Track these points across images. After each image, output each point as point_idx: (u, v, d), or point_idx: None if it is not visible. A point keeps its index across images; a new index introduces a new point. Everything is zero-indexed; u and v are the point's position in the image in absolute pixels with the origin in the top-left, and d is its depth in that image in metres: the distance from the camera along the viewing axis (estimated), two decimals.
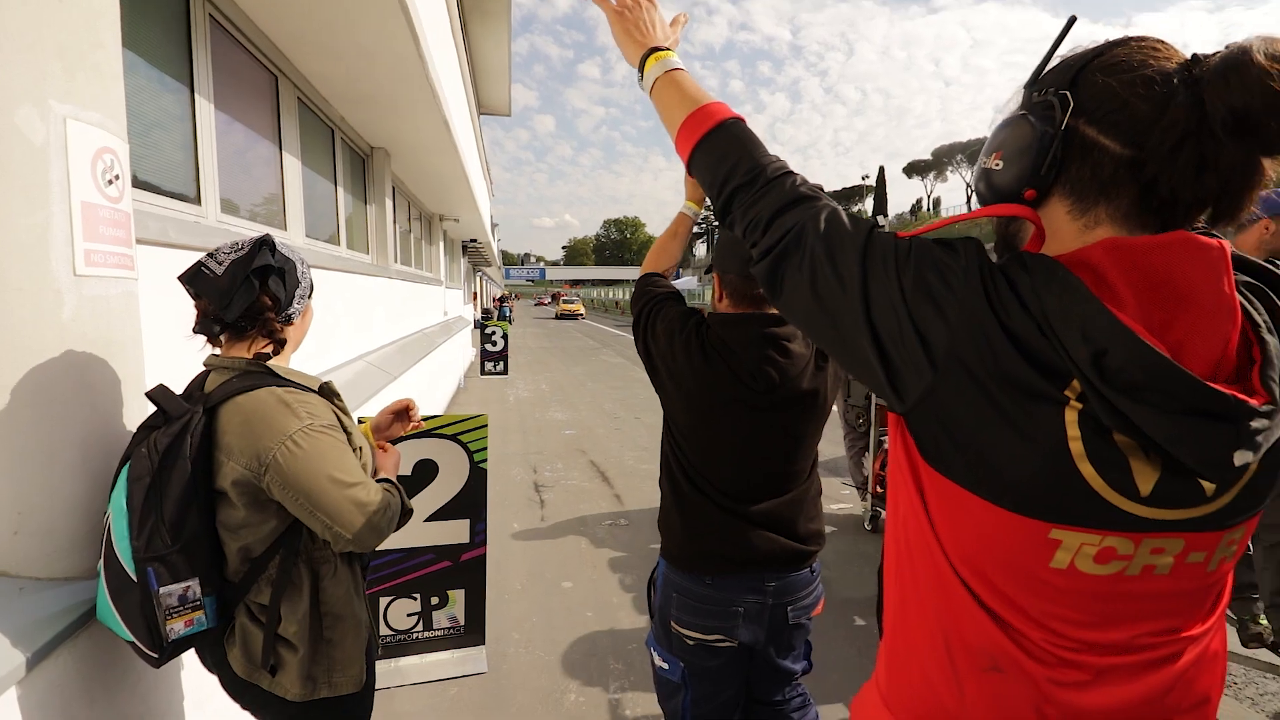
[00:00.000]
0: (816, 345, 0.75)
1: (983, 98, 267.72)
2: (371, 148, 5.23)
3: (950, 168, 77.34)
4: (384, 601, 2.57)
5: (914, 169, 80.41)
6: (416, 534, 2.57)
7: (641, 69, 0.98)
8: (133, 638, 1.10)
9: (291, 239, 3.33)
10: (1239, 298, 0.60)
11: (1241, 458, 0.55)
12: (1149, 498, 0.59)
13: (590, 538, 4.01)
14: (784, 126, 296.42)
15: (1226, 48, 0.58)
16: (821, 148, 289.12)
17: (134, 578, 1.08)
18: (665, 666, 1.51)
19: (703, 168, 0.86)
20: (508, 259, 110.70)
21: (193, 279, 1.22)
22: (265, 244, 1.23)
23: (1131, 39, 0.66)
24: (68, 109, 1.20)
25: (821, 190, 0.80)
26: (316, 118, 3.92)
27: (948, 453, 0.65)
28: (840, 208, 0.75)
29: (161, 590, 1.08)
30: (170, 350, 1.52)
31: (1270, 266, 0.67)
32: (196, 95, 2.39)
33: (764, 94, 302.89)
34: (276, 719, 1.24)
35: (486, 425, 2.66)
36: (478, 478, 2.64)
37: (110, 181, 1.31)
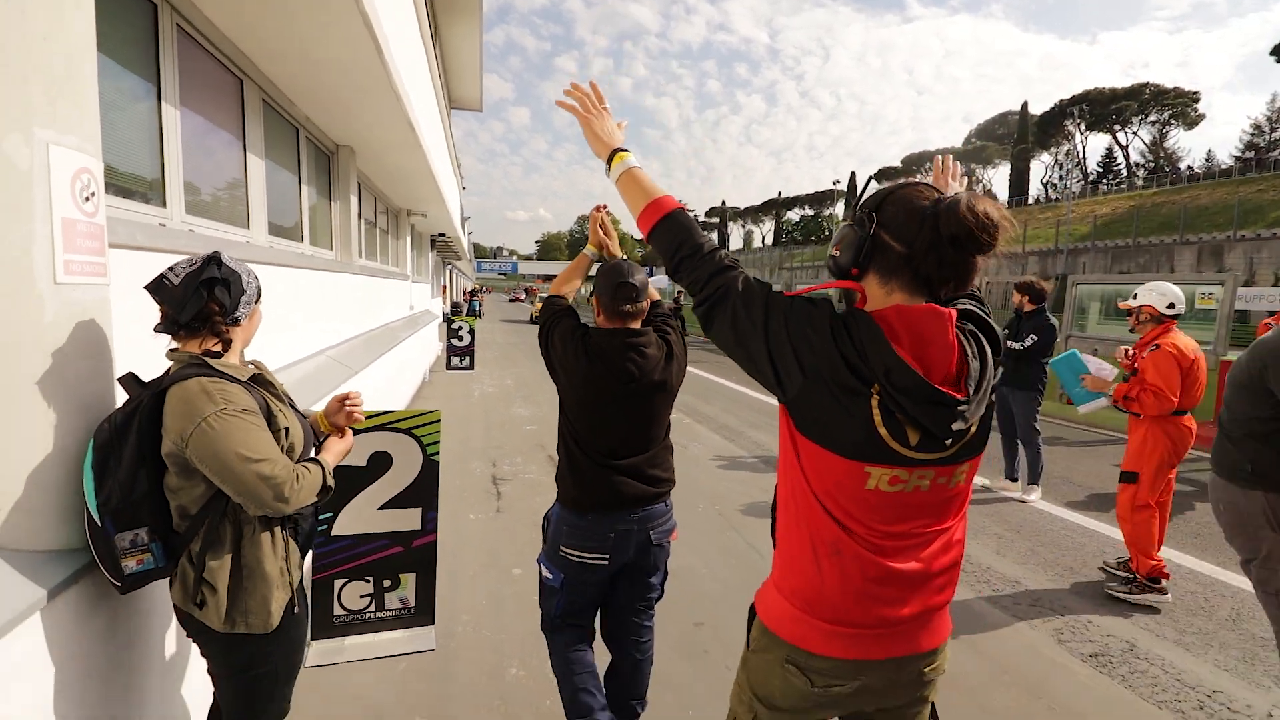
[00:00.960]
0: (733, 360, 1.22)
1: (954, 107, 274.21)
2: (337, 145, 5.32)
3: (920, 175, 79.11)
4: (338, 584, 2.74)
5: (884, 175, 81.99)
6: (370, 520, 2.74)
7: (608, 164, 1.46)
8: (104, 570, 1.41)
9: (254, 237, 3.44)
10: (960, 338, 1.11)
11: (958, 426, 1.06)
12: (915, 447, 1.08)
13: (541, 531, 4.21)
14: (760, 129, 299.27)
15: (952, 195, 1.06)
16: (796, 151, 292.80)
17: (99, 523, 1.38)
18: (549, 577, 2.09)
19: (660, 242, 1.31)
20: (480, 252, 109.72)
21: (156, 288, 1.47)
22: (214, 260, 1.49)
23: (911, 184, 1.14)
24: (50, 135, 1.36)
25: (737, 262, 1.27)
26: (281, 118, 4.02)
27: (810, 425, 1.12)
28: (748, 274, 1.22)
29: (117, 535, 1.40)
30: (139, 340, 1.68)
31: (985, 317, 1.20)
32: (163, 103, 2.51)
33: (740, 95, 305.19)
34: (206, 644, 1.53)
35: (439, 420, 2.84)
36: (429, 469, 2.82)
37: (87, 198, 1.47)
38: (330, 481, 1.57)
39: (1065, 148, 65.14)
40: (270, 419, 1.51)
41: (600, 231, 2.15)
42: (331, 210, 5.27)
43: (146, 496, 1.42)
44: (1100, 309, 10.88)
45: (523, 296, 42.01)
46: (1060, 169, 66.76)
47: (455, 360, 11.00)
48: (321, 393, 3.72)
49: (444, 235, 14.20)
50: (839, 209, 78.25)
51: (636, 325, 1.99)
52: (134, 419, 1.39)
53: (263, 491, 1.38)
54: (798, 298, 1.15)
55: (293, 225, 4.34)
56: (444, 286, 25.20)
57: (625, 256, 2.11)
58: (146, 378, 1.48)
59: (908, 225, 1.07)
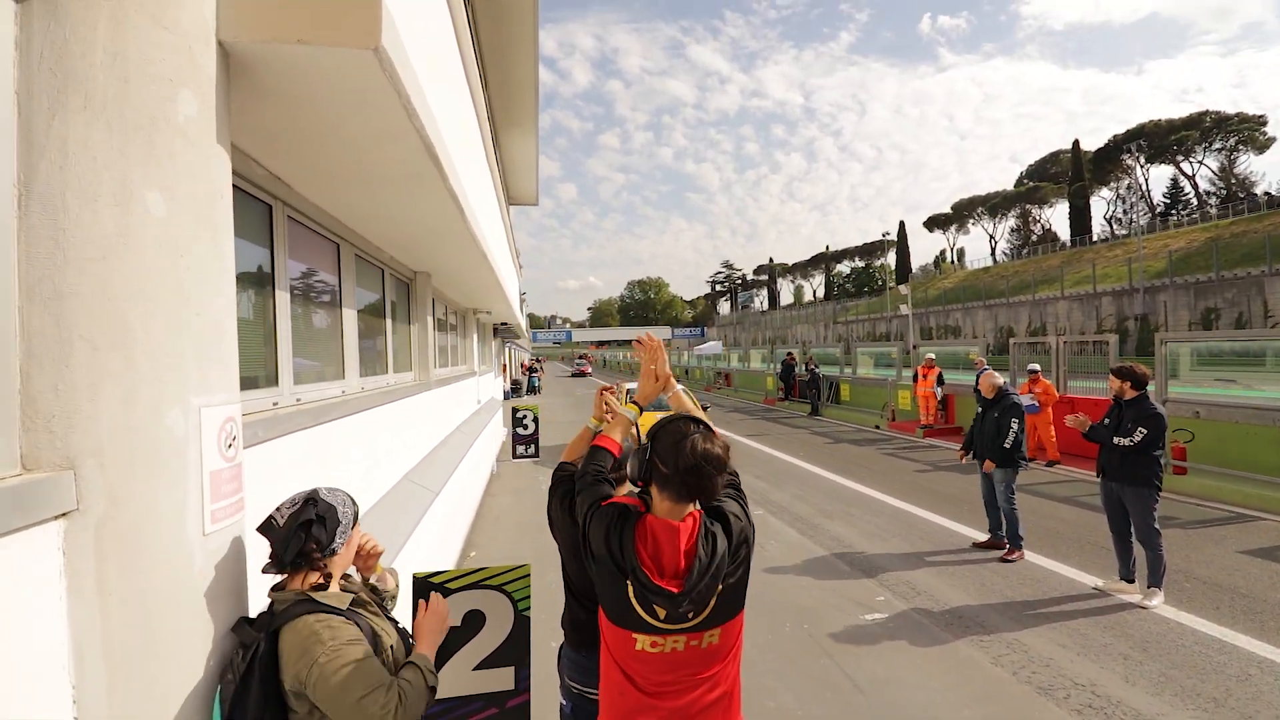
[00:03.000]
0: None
1: (999, 148, 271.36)
2: (415, 273, 5.67)
3: (971, 220, 77.79)
4: None
5: (934, 222, 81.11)
6: (465, 682, 2.71)
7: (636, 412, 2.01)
8: None
9: (348, 385, 3.64)
10: (698, 538, 1.54)
11: (686, 610, 1.50)
12: (664, 620, 1.51)
13: None
14: (801, 185, 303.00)
15: (689, 436, 1.58)
16: (839, 204, 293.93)
17: None
18: (564, 703, 2.45)
19: (591, 455, 1.84)
20: (534, 322, 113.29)
21: (266, 529, 1.58)
22: (310, 500, 1.59)
23: (679, 418, 1.66)
24: (202, 400, 1.48)
25: (609, 481, 1.78)
26: (369, 264, 4.33)
27: (600, 596, 1.63)
28: (609, 494, 1.72)
29: None
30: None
31: (728, 515, 1.63)
32: (276, 289, 2.74)
33: (779, 155, 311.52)
34: None
35: (529, 575, 2.83)
36: (521, 626, 2.79)
37: (230, 444, 1.58)
38: (433, 681, 1.61)
39: (1126, 182, 62.95)
40: (375, 640, 1.56)
41: (604, 408, 2.35)
42: (411, 333, 5.56)
43: None
44: (1191, 361, 10.10)
45: (589, 370, 40.80)
46: (1123, 204, 64.35)
47: (520, 449, 11.14)
48: (407, 522, 3.82)
49: (505, 324, 14.75)
50: (890, 259, 77.32)
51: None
52: (253, 664, 1.45)
53: (374, 707, 1.40)
54: (606, 505, 1.63)
55: (376, 355, 4.59)
56: (504, 365, 25.97)
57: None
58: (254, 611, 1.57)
59: (667, 454, 1.56)
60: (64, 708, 1.26)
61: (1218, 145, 55.14)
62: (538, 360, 47.19)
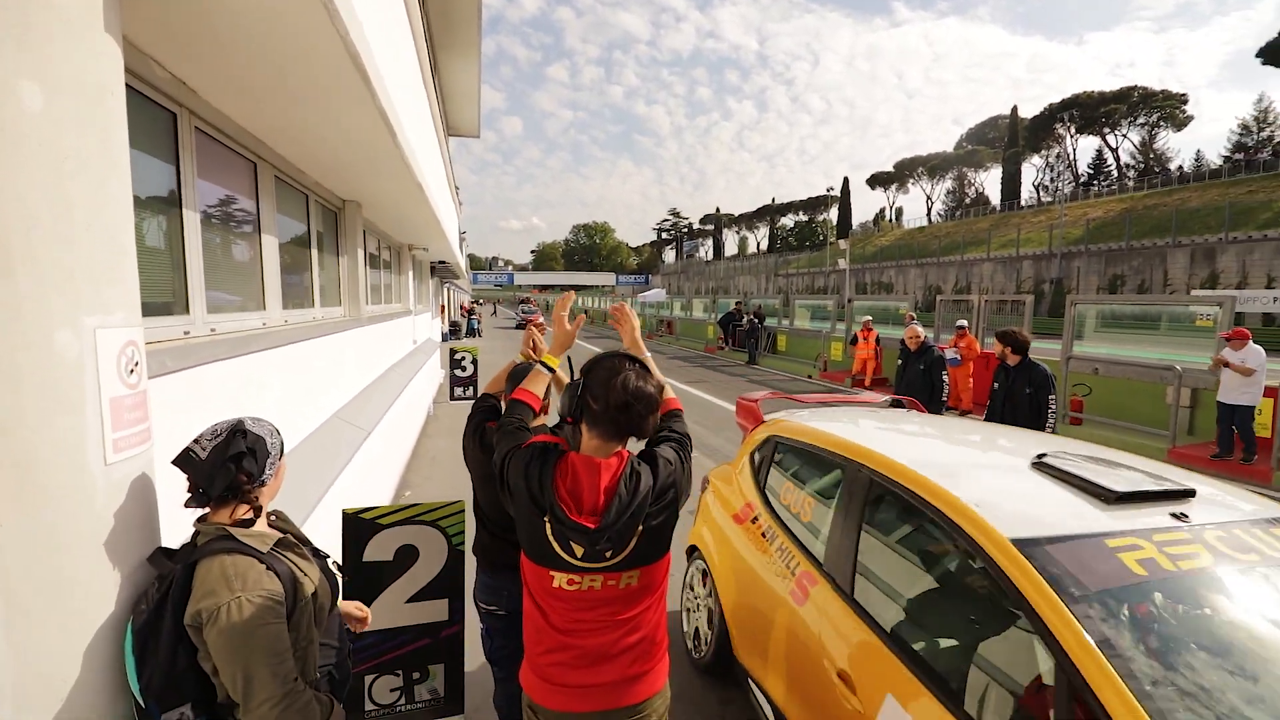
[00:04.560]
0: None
1: (944, 110, 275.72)
2: (344, 201, 5.33)
3: (912, 180, 79.58)
4: (369, 679, 2.73)
5: (877, 180, 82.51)
6: (399, 614, 2.74)
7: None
8: None
9: (269, 317, 3.44)
10: (626, 473, 1.53)
11: (603, 548, 1.49)
12: (582, 558, 1.51)
13: None
14: (751, 134, 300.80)
15: (619, 372, 1.56)
16: (788, 155, 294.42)
17: (144, 706, 1.37)
18: (482, 628, 2.55)
19: (512, 406, 1.81)
20: (475, 263, 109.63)
21: (184, 463, 1.48)
22: (238, 431, 1.50)
23: (612, 355, 1.62)
24: (96, 320, 1.36)
25: (528, 429, 1.74)
26: (291, 189, 4.03)
27: (519, 535, 1.60)
28: (531, 438, 1.66)
29: (163, 715, 1.37)
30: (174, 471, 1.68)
31: (657, 456, 1.61)
32: (184, 209, 2.52)
33: (731, 101, 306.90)
34: None
35: (463, 510, 2.83)
36: (455, 559, 2.82)
37: (131, 370, 1.47)
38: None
39: (1056, 150, 65.61)
40: (295, 585, 1.51)
41: (530, 344, 2.49)
42: (339, 266, 5.28)
43: (187, 671, 1.40)
44: (1096, 323, 10.88)
45: (540, 319, 37.28)
46: (1052, 172, 67.24)
47: (459, 391, 10.98)
48: (338, 460, 3.72)
49: (444, 262, 14.21)
50: (833, 214, 78.52)
51: None
52: (167, 597, 1.40)
53: (259, 700, 1.34)
54: (526, 446, 1.60)
55: (303, 290, 4.34)
56: (442, 306, 25.19)
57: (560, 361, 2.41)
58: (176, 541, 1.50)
59: (599, 390, 1.54)
60: None
61: (1141, 120, 57.96)
62: (477, 303, 45.86)
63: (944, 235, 51.36)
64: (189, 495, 1.49)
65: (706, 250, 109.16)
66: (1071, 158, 65.64)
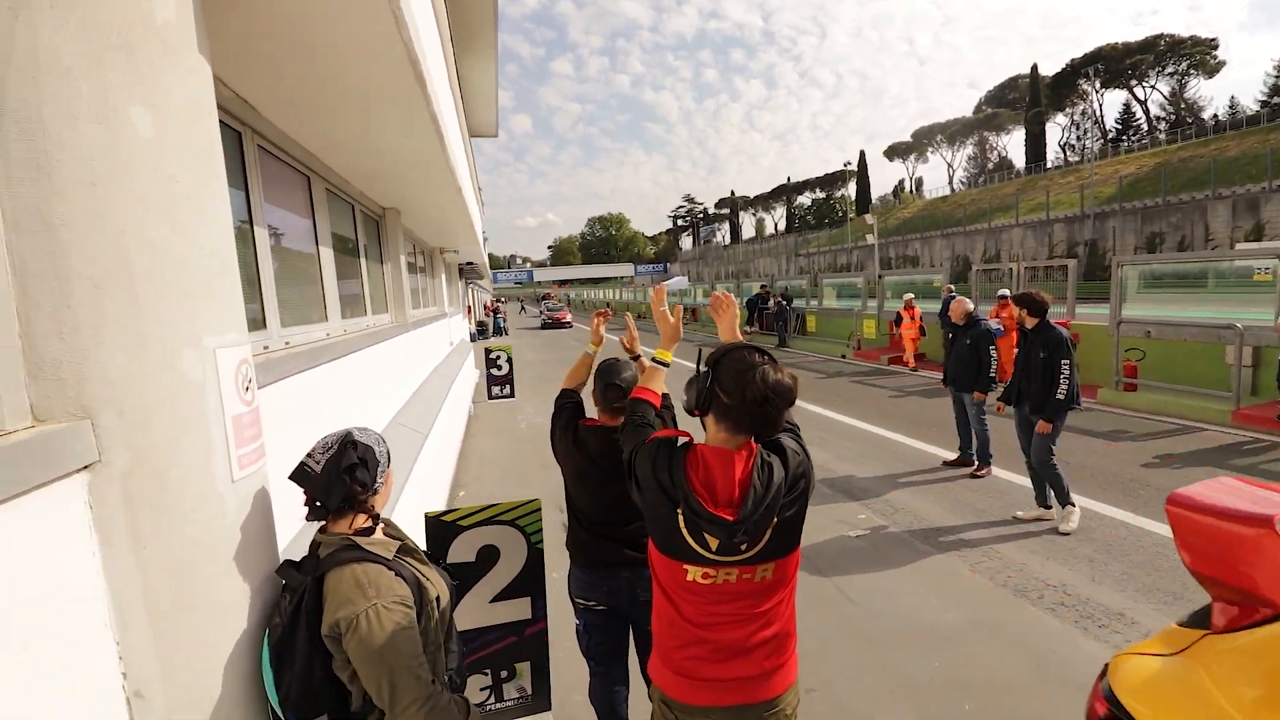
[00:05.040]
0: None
1: (958, 74, 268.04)
2: (384, 209, 5.37)
3: (930, 149, 77.79)
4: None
5: (894, 151, 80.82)
6: (484, 614, 2.76)
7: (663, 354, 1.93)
8: None
9: (331, 328, 3.49)
10: (757, 464, 1.49)
11: (739, 540, 1.44)
12: (716, 551, 1.47)
13: None
14: (761, 113, 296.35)
15: (758, 365, 1.49)
16: (800, 132, 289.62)
17: (282, 717, 1.41)
18: (578, 623, 2.58)
19: (631, 406, 1.79)
20: (494, 262, 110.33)
21: (300, 478, 1.50)
22: (348, 443, 1.51)
23: (741, 347, 1.54)
24: (214, 339, 1.37)
25: (654, 425, 1.72)
26: (339, 199, 4.07)
27: (649, 527, 1.59)
28: (656, 434, 1.63)
29: None
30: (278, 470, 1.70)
31: (785, 449, 1.55)
32: (255, 226, 2.55)
33: (739, 81, 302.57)
34: None
35: (540, 509, 2.84)
36: (535, 558, 2.83)
37: (246, 387, 1.48)
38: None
39: (1081, 108, 63.47)
40: (420, 590, 1.54)
41: (600, 331, 2.55)
42: (384, 273, 5.33)
43: (323, 682, 1.43)
44: (1139, 283, 10.46)
45: (568, 316, 32.46)
46: (1078, 130, 65.07)
47: (496, 390, 11.09)
48: (403, 466, 3.77)
49: (471, 263, 14.32)
50: (851, 189, 77.26)
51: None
52: (300, 609, 1.42)
53: (405, 704, 1.35)
54: (652, 440, 1.58)
55: (355, 298, 4.40)
56: (468, 306, 25.41)
57: (632, 354, 2.55)
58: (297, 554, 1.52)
59: (732, 383, 1.49)
60: (109, 665, 1.21)
61: (1170, 69, 55.74)
62: (500, 301, 46.17)
63: (968, 203, 50.19)
64: (308, 509, 1.51)
65: (723, 235, 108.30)
66: (1098, 114, 63.48)
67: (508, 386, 11.24)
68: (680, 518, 1.46)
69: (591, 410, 2.54)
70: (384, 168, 3.87)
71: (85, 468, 1.17)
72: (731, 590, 1.51)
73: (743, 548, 1.47)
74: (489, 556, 2.79)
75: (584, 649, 2.58)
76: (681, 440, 1.59)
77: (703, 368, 1.56)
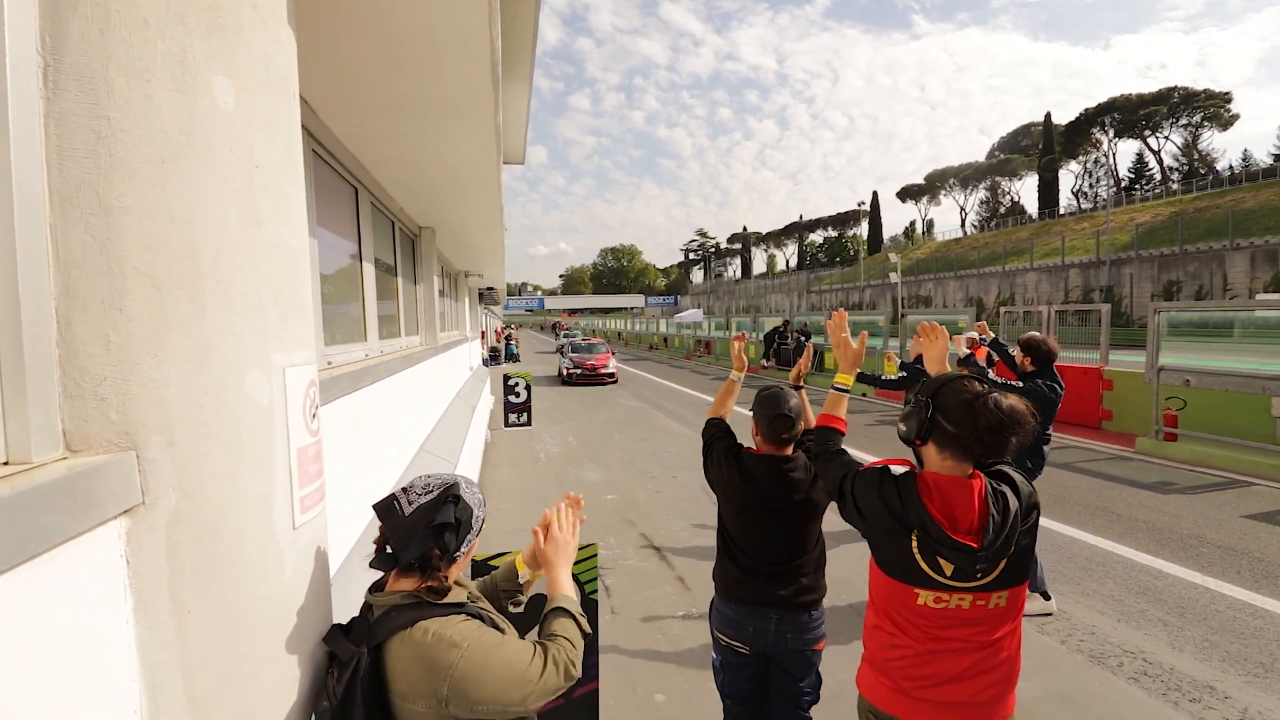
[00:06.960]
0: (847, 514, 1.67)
1: (969, 120, 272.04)
2: (420, 228, 5.22)
3: (943, 191, 78.36)
4: None
5: (907, 193, 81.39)
6: None
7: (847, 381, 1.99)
8: None
9: (370, 348, 3.27)
10: (989, 497, 1.48)
11: (978, 568, 1.45)
12: (951, 576, 1.48)
13: (666, 637, 3.89)
14: (773, 152, 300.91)
15: (989, 392, 1.52)
16: (811, 172, 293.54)
17: None
18: (715, 657, 2.41)
19: (820, 434, 1.89)
20: (507, 289, 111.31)
21: (385, 513, 1.26)
22: (451, 497, 1.27)
23: (959, 378, 1.57)
24: (284, 357, 1.14)
25: (845, 451, 1.80)
26: (382, 214, 3.90)
27: (875, 553, 1.61)
28: (852, 460, 1.73)
29: None
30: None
31: (1014, 477, 1.55)
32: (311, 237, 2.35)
33: (752, 121, 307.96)
34: None
35: (596, 555, 2.57)
36: (587, 607, 2.54)
37: (313, 415, 1.25)
38: (586, 627, 1.42)
39: (1094, 156, 63.93)
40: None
41: (743, 357, 2.57)
42: (417, 294, 5.14)
43: None
44: (1164, 331, 10.08)
45: (610, 363, 23.84)
46: (1090, 177, 65.44)
47: (513, 418, 10.81)
48: None
49: (491, 288, 14.23)
50: (863, 229, 77.66)
51: (789, 451, 2.27)
52: (354, 687, 1.15)
53: (544, 696, 1.22)
54: (868, 468, 1.62)
55: (392, 321, 4.19)
56: (482, 332, 25.33)
57: (794, 383, 2.47)
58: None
59: (959, 413, 1.50)
60: None
61: (1184, 121, 56.20)
62: (511, 327, 46.20)
63: (982, 246, 50.18)
64: (376, 553, 1.26)
65: (735, 269, 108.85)
66: (1111, 162, 63.88)
67: (525, 414, 10.97)
68: (914, 542, 1.48)
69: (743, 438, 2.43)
70: (428, 182, 3.70)
71: (125, 512, 0.93)
72: (963, 616, 1.51)
73: (979, 575, 1.48)
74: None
75: (719, 685, 2.44)
76: (900, 469, 1.59)
77: (921, 398, 1.59)
